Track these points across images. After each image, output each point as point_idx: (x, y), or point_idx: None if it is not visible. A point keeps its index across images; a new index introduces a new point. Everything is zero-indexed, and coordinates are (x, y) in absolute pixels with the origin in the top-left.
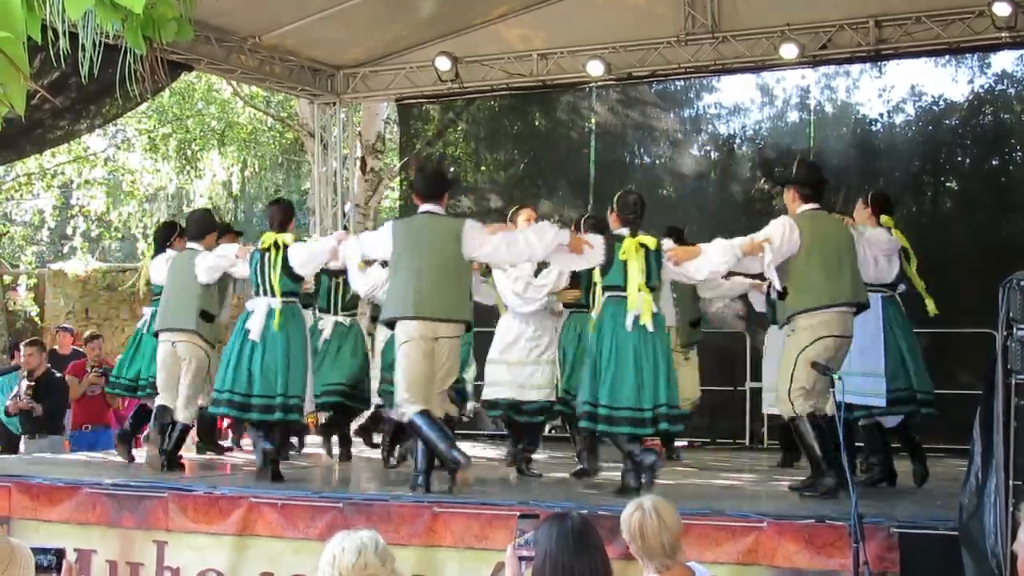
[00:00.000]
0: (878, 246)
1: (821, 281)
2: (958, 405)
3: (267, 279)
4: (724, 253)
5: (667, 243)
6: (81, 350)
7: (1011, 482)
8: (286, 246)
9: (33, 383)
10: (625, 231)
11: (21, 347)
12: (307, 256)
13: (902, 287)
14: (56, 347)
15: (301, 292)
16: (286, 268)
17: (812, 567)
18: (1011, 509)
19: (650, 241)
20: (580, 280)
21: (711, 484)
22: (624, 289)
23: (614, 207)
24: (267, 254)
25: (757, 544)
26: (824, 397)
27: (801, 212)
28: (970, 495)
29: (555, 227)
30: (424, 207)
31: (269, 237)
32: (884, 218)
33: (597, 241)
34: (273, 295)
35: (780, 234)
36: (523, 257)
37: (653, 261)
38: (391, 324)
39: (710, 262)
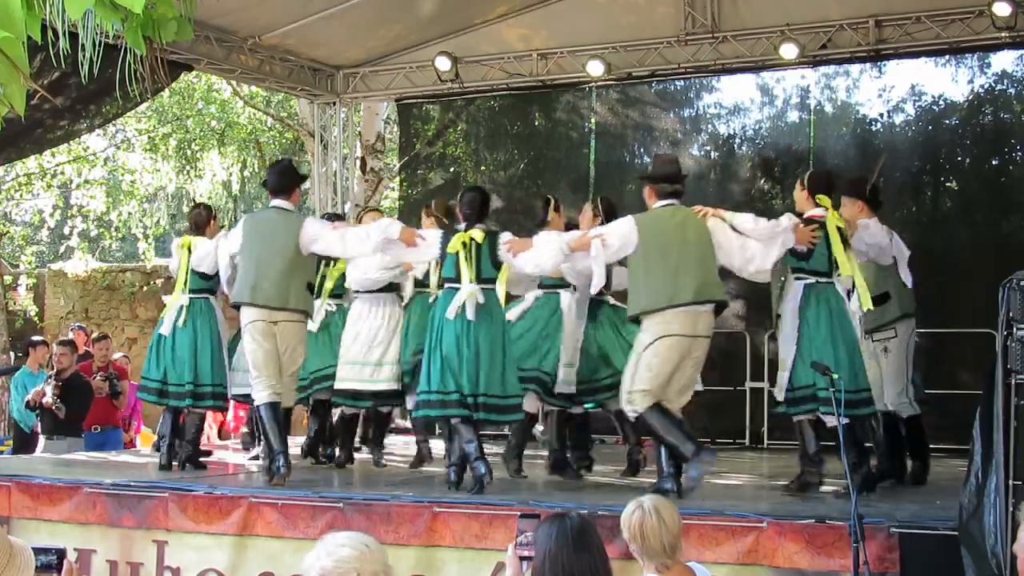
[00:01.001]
0: (749, 231)
1: (658, 282)
2: (958, 405)
3: (179, 278)
4: (551, 248)
5: (505, 235)
6: (91, 351)
7: (1011, 482)
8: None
9: (60, 384)
10: (463, 226)
11: (54, 346)
12: (201, 255)
13: (839, 274)
14: None
15: (215, 287)
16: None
17: (812, 567)
18: (1011, 509)
19: (479, 235)
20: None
21: (711, 484)
22: (457, 280)
23: (458, 203)
24: (182, 254)
25: (757, 544)
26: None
27: (653, 209)
28: (970, 495)
29: (389, 222)
30: (274, 201)
31: (185, 240)
32: (820, 197)
33: (432, 235)
34: (184, 292)
35: (617, 233)
36: (356, 251)
37: (484, 254)
38: (237, 308)
39: (536, 256)
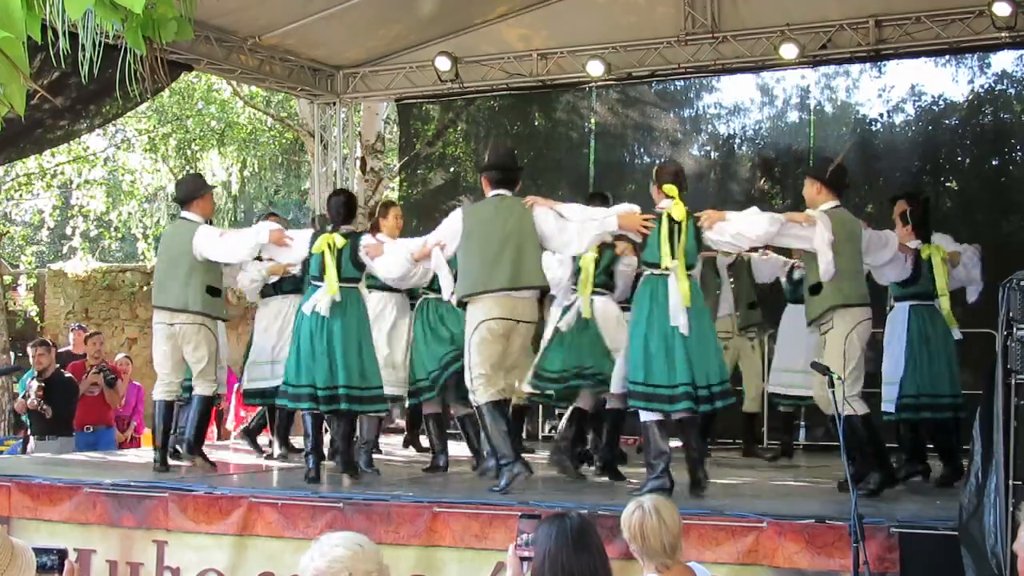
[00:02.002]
0: (572, 218)
1: (477, 268)
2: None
3: None
4: (397, 256)
5: (365, 238)
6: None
7: (1011, 482)
8: None
9: (43, 384)
10: (330, 227)
11: (29, 348)
12: None
13: (674, 263)
14: (70, 347)
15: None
16: None
17: (812, 567)
18: (1011, 509)
19: (339, 239)
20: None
21: (711, 484)
22: (321, 279)
23: (327, 205)
24: None
25: (757, 544)
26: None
27: (485, 199)
28: (970, 495)
29: (261, 226)
30: (182, 213)
31: None
32: (667, 188)
33: (300, 236)
34: None
35: (448, 231)
36: (233, 256)
37: (345, 256)
38: None
39: (385, 263)
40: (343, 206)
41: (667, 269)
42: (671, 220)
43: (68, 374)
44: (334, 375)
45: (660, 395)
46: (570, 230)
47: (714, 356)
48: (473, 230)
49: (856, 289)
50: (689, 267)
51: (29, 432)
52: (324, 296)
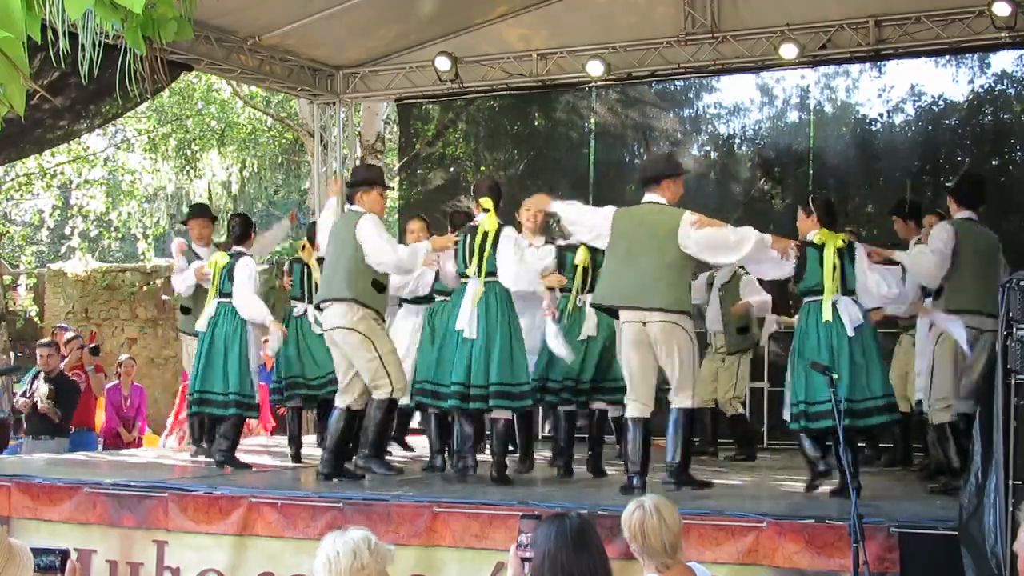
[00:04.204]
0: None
1: (321, 280)
2: None
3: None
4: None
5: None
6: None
7: (1011, 482)
8: None
9: (53, 386)
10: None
11: (37, 348)
12: None
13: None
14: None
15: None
16: None
17: (812, 567)
18: (1011, 509)
19: (223, 259)
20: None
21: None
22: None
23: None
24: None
25: (757, 544)
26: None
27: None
28: (970, 495)
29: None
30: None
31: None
32: (482, 200)
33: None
34: None
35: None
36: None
37: (224, 274)
38: None
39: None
40: (236, 227)
41: (467, 277)
42: (477, 231)
43: (68, 375)
44: (198, 381)
45: (442, 393)
46: (380, 244)
47: (516, 359)
48: (328, 243)
49: (612, 291)
50: (490, 274)
51: (25, 432)
52: (207, 310)
